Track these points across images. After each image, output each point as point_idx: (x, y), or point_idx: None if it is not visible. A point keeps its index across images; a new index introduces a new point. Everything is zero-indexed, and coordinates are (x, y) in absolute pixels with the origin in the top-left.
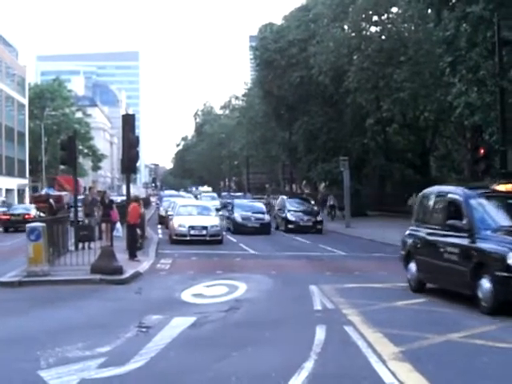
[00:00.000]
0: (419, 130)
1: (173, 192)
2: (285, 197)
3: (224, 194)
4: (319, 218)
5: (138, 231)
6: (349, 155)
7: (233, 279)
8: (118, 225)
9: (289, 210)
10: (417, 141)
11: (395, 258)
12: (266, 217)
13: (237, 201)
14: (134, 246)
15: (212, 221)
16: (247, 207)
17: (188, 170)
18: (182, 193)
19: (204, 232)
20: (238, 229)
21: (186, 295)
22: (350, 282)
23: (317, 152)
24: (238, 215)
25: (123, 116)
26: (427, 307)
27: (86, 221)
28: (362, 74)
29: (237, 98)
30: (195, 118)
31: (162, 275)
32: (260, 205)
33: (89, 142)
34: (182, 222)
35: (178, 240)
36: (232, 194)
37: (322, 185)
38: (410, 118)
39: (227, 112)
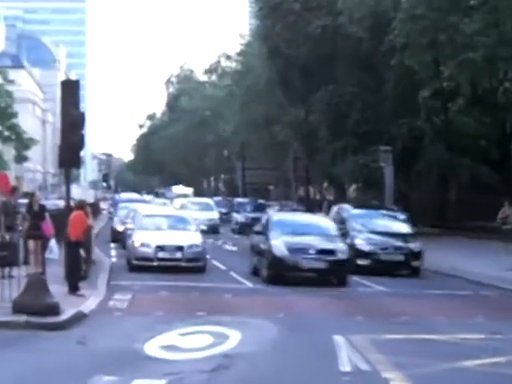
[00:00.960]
0: (497, 107)
1: (133, 195)
2: (346, 205)
3: (217, 199)
4: (416, 247)
5: (82, 252)
6: (393, 144)
7: (221, 325)
8: (53, 242)
9: (359, 232)
10: (493, 124)
11: (460, 297)
12: (341, 247)
13: (277, 215)
14: (77, 275)
15: (190, 238)
16: (297, 227)
17: (156, 164)
18: (147, 197)
19: (178, 255)
20: (281, 271)
21: (152, 347)
22: (392, 332)
23: (346, 138)
24: (279, 243)
25: (62, 83)
26: (510, 370)
27: (7, 236)
28: (413, 24)
29: (228, 57)
30: (167, 87)
31: (116, 317)
32: (323, 221)
33: (10, 121)
34: (145, 239)
35: (141, 266)
36: (229, 199)
37: (353, 187)
38: (483, 90)
39: (214, 78)
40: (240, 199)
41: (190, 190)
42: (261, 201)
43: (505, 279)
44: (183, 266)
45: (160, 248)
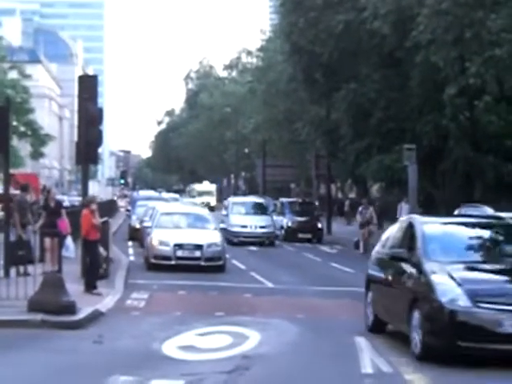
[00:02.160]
0: None
1: (151, 193)
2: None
3: (271, 200)
4: None
5: (102, 251)
6: (417, 142)
7: (240, 325)
8: (69, 240)
9: None
10: None
11: None
12: None
13: (429, 224)
14: (95, 273)
15: (209, 237)
16: (470, 246)
17: (174, 161)
18: (165, 194)
19: (197, 253)
20: (455, 340)
21: (170, 347)
22: None
23: (369, 137)
24: (448, 283)
25: (80, 78)
26: None
27: (24, 235)
28: (438, 19)
29: (249, 53)
30: (186, 83)
31: (133, 316)
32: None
33: (27, 116)
34: (164, 237)
35: (159, 265)
36: (267, 198)
37: (376, 186)
38: (510, 88)
39: (234, 74)
40: (285, 199)
41: (213, 187)
42: (307, 200)
43: None
44: (202, 265)
45: (178, 246)
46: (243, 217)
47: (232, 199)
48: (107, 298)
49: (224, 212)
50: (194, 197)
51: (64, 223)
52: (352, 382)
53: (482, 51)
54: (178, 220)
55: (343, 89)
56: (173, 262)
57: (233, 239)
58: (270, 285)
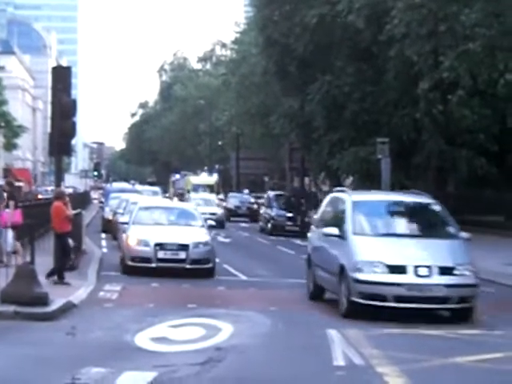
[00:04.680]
0: (496, 99)
1: (125, 185)
2: None
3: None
4: None
5: (71, 242)
6: (392, 136)
7: (213, 317)
8: (10, 234)
9: None
10: (493, 116)
11: None
12: None
13: None
14: (64, 263)
15: (196, 235)
16: None
17: (148, 153)
18: (138, 186)
19: (182, 255)
20: None
21: (143, 339)
22: (388, 326)
23: (343, 130)
24: None
25: (53, 69)
26: (507, 366)
27: None
28: (412, 13)
29: (223, 45)
30: (160, 75)
31: (106, 308)
32: None
33: (0, 108)
34: (143, 236)
35: (137, 268)
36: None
37: (349, 179)
38: (483, 82)
39: (208, 67)
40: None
41: (213, 180)
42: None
43: (503, 274)
44: (188, 268)
45: (160, 246)
46: (390, 243)
47: (349, 196)
48: (80, 290)
49: (327, 229)
50: (188, 191)
51: (5, 216)
52: (324, 374)
53: (455, 45)
54: (159, 216)
55: (317, 81)
56: (153, 265)
57: (362, 301)
58: (243, 277)
